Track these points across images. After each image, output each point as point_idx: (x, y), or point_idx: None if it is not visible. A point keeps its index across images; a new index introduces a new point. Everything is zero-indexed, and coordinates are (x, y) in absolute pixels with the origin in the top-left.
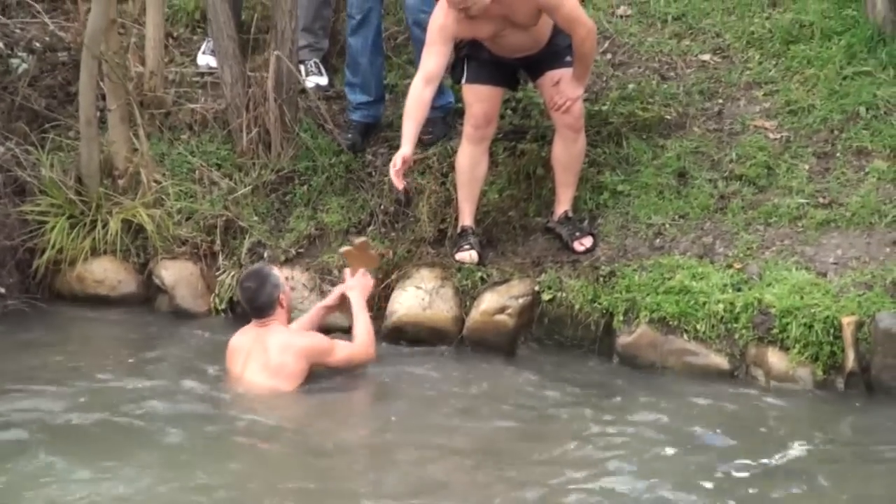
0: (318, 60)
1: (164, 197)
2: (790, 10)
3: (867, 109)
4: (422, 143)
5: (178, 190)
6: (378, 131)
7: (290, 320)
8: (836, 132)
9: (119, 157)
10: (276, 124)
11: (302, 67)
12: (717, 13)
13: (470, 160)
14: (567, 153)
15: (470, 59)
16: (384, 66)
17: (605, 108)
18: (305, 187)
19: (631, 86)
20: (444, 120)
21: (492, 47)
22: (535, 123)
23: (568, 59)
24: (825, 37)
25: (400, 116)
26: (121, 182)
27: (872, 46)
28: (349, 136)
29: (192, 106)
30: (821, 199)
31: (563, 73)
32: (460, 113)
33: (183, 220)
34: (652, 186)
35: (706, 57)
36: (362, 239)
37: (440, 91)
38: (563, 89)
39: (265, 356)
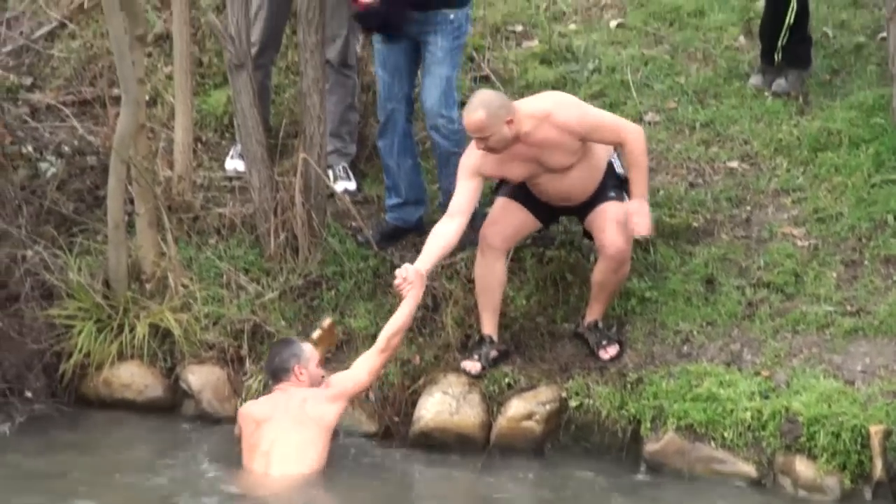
0: (346, 165)
1: (191, 301)
2: (818, 118)
3: (895, 218)
4: None
5: (205, 294)
6: (410, 235)
7: None
8: (864, 240)
9: (147, 261)
10: (303, 229)
11: (330, 172)
12: (744, 120)
13: (484, 269)
14: (610, 278)
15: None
16: (418, 168)
17: None
18: (333, 292)
19: (660, 192)
20: (472, 226)
21: (537, 192)
22: (563, 229)
23: (612, 194)
24: (853, 145)
25: (430, 222)
26: (148, 286)
27: None
28: (371, 232)
29: (221, 210)
30: (849, 308)
31: (609, 207)
32: None
33: (210, 324)
34: (679, 293)
35: (734, 164)
36: (329, 320)
37: None
38: (635, 221)
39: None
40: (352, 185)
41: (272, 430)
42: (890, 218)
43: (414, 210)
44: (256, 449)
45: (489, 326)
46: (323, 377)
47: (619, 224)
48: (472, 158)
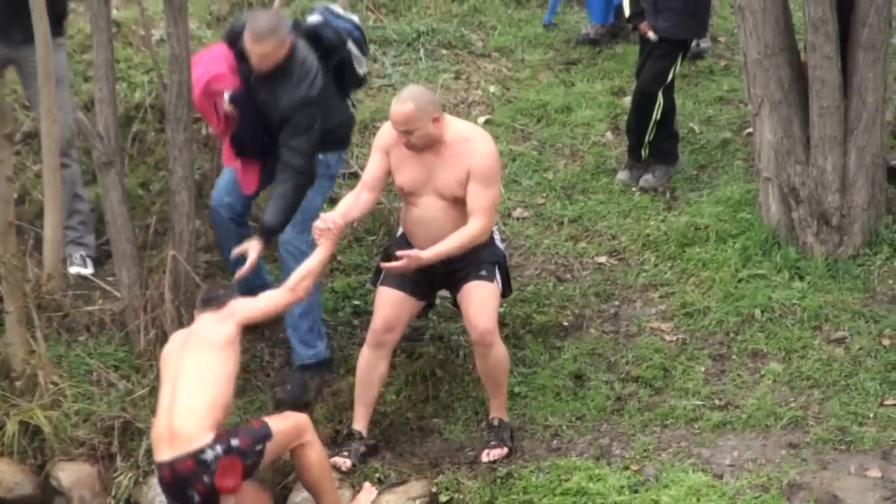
0: (83, 254)
1: (61, 398)
2: (685, 214)
3: (762, 312)
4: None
5: (75, 391)
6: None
7: None
8: (731, 334)
9: (16, 358)
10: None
11: (69, 258)
12: (612, 216)
13: (366, 363)
14: (482, 365)
15: (388, 260)
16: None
17: (501, 309)
18: None
19: (528, 288)
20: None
21: (410, 232)
22: (432, 325)
23: (483, 272)
24: (720, 239)
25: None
26: (18, 384)
27: (767, 249)
28: None
29: (90, 308)
30: (717, 401)
31: (476, 287)
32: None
33: (80, 421)
34: (549, 388)
35: (602, 259)
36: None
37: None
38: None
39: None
40: (87, 270)
41: (174, 361)
42: (757, 312)
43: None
44: (163, 384)
45: (361, 422)
46: None
47: (483, 306)
48: (385, 136)
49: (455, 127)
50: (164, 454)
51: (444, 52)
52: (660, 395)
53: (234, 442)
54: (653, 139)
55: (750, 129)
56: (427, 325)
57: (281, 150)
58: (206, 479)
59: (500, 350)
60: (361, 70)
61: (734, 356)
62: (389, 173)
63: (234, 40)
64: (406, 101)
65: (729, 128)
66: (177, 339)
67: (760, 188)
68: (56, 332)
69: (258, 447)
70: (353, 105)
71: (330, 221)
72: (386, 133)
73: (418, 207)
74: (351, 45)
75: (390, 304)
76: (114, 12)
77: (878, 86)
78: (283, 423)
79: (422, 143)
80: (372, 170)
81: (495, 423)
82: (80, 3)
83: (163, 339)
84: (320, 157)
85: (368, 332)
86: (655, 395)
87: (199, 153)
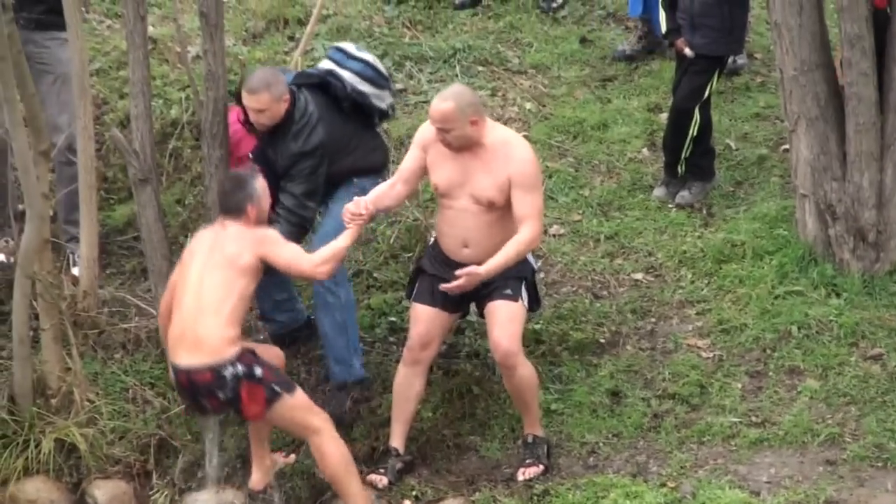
0: None
1: (97, 416)
2: (722, 230)
3: (799, 329)
4: None
5: (111, 409)
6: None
7: None
8: (768, 351)
9: (52, 376)
10: None
11: (71, 257)
12: (649, 232)
13: (403, 380)
14: (508, 384)
15: (421, 273)
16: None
17: (538, 326)
18: None
19: (565, 305)
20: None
21: (441, 234)
22: (468, 342)
23: (509, 290)
24: (757, 256)
25: None
26: (54, 401)
27: (804, 266)
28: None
29: (126, 325)
30: (754, 419)
31: (500, 307)
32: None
33: (116, 439)
34: (585, 405)
35: (639, 276)
36: None
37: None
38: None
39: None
40: None
41: (199, 266)
42: (794, 329)
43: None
44: (185, 282)
45: (398, 438)
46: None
47: (506, 326)
48: (424, 132)
49: (496, 132)
50: (182, 358)
51: (480, 68)
52: (696, 412)
53: (258, 371)
54: (689, 156)
55: (786, 146)
56: (463, 342)
57: (279, 194)
58: (220, 395)
59: (525, 370)
60: (384, 104)
61: (771, 373)
62: (425, 170)
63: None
64: (447, 100)
65: (765, 144)
66: (203, 239)
67: (797, 205)
68: (92, 350)
69: (276, 388)
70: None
71: (362, 206)
72: (426, 129)
73: (452, 210)
74: (364, 86)
75: (424, 321)
76: (150, 29)
77: None
78: (305, 397)
79: (458, 143)
80: (408, 162)
81: (529, 439)
82: (116, 21)
83: None
84: (355, 180)
85: (405, 350)
86: (692, 412)
87: None
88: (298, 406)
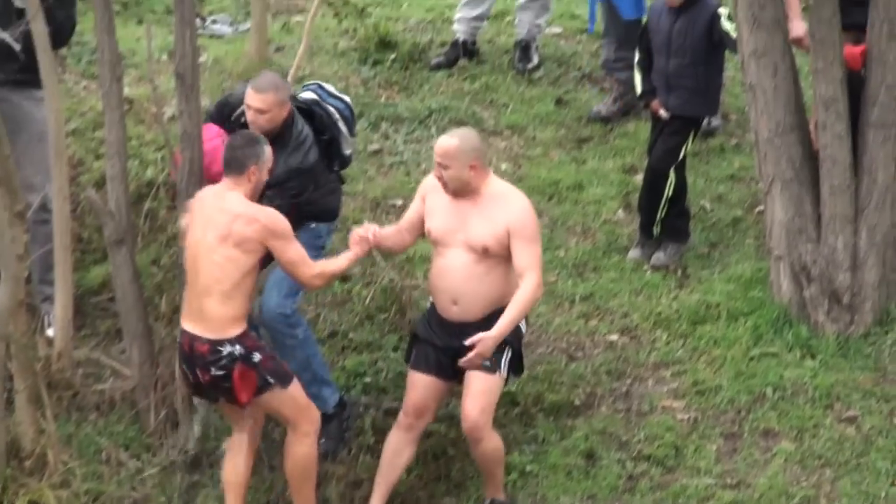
0: None
1: (70, 478)
2: (697, 292)
3: (774, 390)
4: None
5: (85, 471)
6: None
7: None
8: (743, 413)
9: (26, 438)
10: (184, 404)
11: (46, 318)
12: (624, 293)
13: (394, 445)
14: (474, 453)
15: (416, 340)
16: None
17: (513, 388)
18: (214, 468)
19: (540, 367)
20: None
21: (433, 285)
22: (446, 404)
23: (487, 362)
24: (732, 318)
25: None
26: (27, 463)
27: (778, 328)
28: None
29: (100, 387)
30: (729, 480)
31: (476, 378)
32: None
33: (90, 501)
34: (560, 467)
35: (614, 337)
36: None
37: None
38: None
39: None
40: None
41: (196, 234)
42: (769, 391)
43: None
44: (192, 242)
45: (377, 500)
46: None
47: (479, 398)
48: (427, 181)
49: (496, 184)
50: (188, 325)
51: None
52: (672, 474)
53: (256, 356)
54: (664, 217)
55: (761, 208)
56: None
57: None
58: (212, 370)
59: (490, 444)
60: (347, 150)
61: (746, 435)
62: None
63: (227, 114)
64: (454, 137)
65: (740, 206)
66: (206, 199)
67: (772, 266)
68: (66, 411)
69: (270, 378)
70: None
71: (371, 232)
72: (428, 179)
73: (445, 258)
74: (341, 124)
75: (419, 388)
76: (126, 90)
77: (889, 164)
78: (303, 394)
79: (454, 186)
80: (410, 212)
81: (489, 502)
82: (92, 81)
83: (173, 417)
84: (312, 224)
85: (400, 414)
86: (667, 474)
87: None
88: (289, 400)
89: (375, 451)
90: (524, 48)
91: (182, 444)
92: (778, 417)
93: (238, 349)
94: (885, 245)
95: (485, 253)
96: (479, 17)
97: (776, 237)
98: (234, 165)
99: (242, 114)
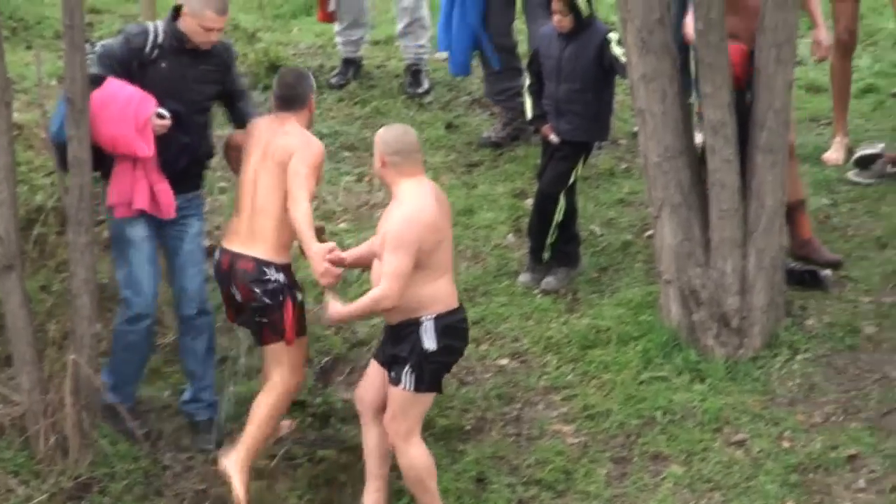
0: None
1: None
2: (587, 316)
3: (663, 414)
4: None
5: None
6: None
7: None
8: (632, 437)
9: None
10: (74, 430)
11: None
12: (514, 318)
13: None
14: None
15: None
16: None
17: None
18: (103, 495)
19: None
20: None
21: None
22: (335, 432)
23: (393, 373)
24: (622, 342)
25: None
26: None
27: (668, 352)
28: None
29: None
30: None
31: (390, 387)
32: None
33: None
34: (451, 491)
35: (504, 361)
36: None
37: None
38: None
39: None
40: None
41: (250, 164)
42: (658, 414)
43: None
44: (246, 172)
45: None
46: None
47: (388, 406)
48: None
49: (404, 188)
50: (233, 245)
51: (346, 154)
52: (562, 499)
53: (299, 296)
54: (554, 241)
55: (650, 232)
56: (327, 433)
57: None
58: (256, 290)
59: (404, 460)
60: None
61: (636, 458)
62: None
63: (135, 59)
64: (383, 128)
65: (630, 230)
66: (259, 130)
67: (661, 291)
68: None
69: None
70: None
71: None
72: None
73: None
74: None
75: (368, 376)
76: (15, 115)
77: (777, 189)
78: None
79: (377, 177)
80: None
81: None
82: None
83: (63, 444)
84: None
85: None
86: (557, 498)
87: (100, 256)
88: (297, 349)
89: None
90: (414, 73)
91: (72, 470)
92: (667, 441)
93: (282, 278)
94: (773, 269)
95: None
96: (359, 26)
97: (665, 261)
98: (297, 100)
99: (148, 46)
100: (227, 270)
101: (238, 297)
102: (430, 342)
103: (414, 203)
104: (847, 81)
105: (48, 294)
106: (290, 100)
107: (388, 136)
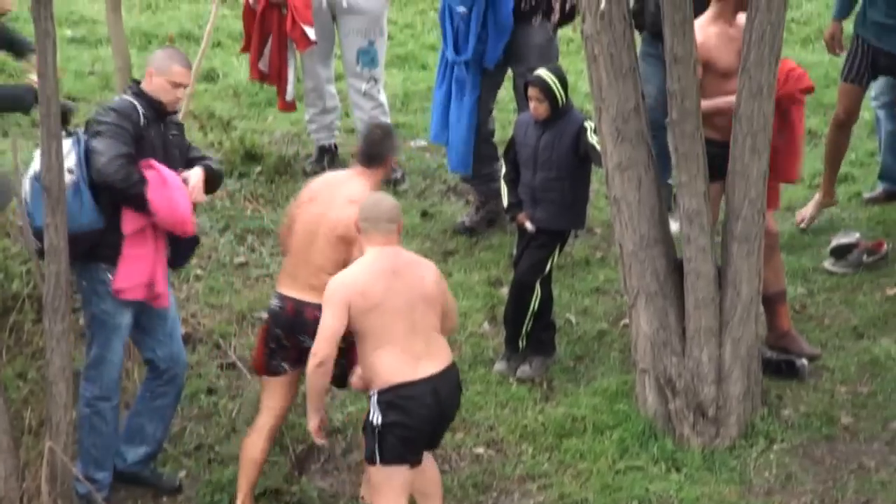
0: None
1: None
2: (563, 405)
3: (639, 503)
4: None
5: None
6: None
7: None
8: None
9: None
10: None
11: None
12: (490, 406)
13: None
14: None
15: None
16: None
17: None
18: None
19: None
20: None
21: None
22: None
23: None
24: (598, 431)
25: None
26: None
27: (644, 441)
28: None
29: None
30: None
31: None
32: None
33: None
34: None
35: (480, 450)
36: None
37: None
38: None
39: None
40: None
41: (321, 204)
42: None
43: None
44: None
45: None
46: None
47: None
48: None
49: (366, 254)
50: (294, 293)
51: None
52: None
53: None
54: (530, 330)
55: (626, 321)
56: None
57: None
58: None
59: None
60: None
61: None
62: None
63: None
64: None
65: (605, 319)
66: (332, 180)
67: (637, 379)
68: None
69: None
70: None
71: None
72: None
73: None
74: None
75: None
76: None
77: (753, 278)
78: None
79: None
80: None
81: None
82: None
83: None
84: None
85: None
86: None
87: (76, 344)
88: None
89: None
90: None
91: None
92: None
93: None
94: (749, 358)
95: None
96: (328, 112)
97: (641, 350)
98: (378, 158)
99: (141, 118)
100: (293, 316)
101: (307, 341)
102: (375, 416)
103: (354, 268)
104: (840, 154)
105: (24, 382)
106: (372, 157)
107: (365, 203)
